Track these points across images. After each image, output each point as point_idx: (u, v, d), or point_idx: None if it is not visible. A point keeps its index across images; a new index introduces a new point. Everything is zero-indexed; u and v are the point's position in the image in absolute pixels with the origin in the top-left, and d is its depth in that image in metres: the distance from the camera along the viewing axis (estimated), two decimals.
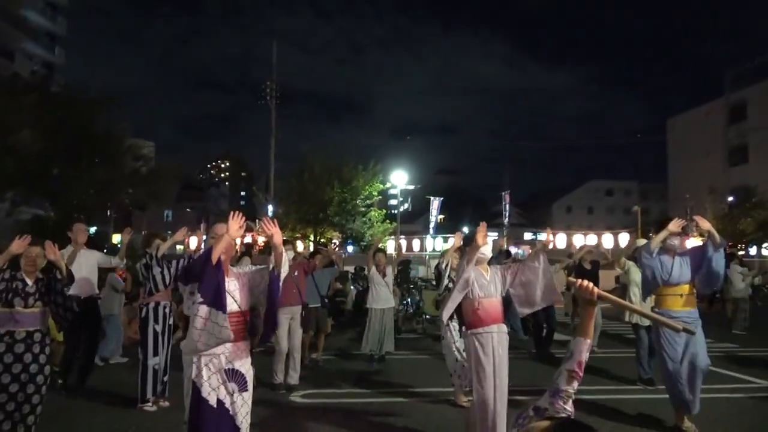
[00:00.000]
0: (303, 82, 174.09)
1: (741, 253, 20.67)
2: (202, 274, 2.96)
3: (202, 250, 3.52)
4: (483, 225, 4.19)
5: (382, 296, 7.87)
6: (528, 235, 30.51)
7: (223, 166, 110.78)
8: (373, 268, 7.95)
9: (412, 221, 46.55)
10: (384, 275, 7.92)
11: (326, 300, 8.14)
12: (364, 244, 17.34)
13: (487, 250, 4.32)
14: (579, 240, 23.26)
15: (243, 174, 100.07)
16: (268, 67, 26.32)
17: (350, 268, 14.11)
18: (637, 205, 38.97)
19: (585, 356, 1.80)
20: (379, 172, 19.23)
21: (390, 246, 22.38)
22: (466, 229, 36.00)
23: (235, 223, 3.16)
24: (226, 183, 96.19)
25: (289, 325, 6.56)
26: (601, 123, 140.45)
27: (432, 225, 25.25)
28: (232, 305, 3.09)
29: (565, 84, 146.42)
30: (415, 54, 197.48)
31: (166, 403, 5.53)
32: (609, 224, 48.96)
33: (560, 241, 25.39)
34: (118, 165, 18.63)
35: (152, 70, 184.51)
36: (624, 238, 19.11)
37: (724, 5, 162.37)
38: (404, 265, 13.14)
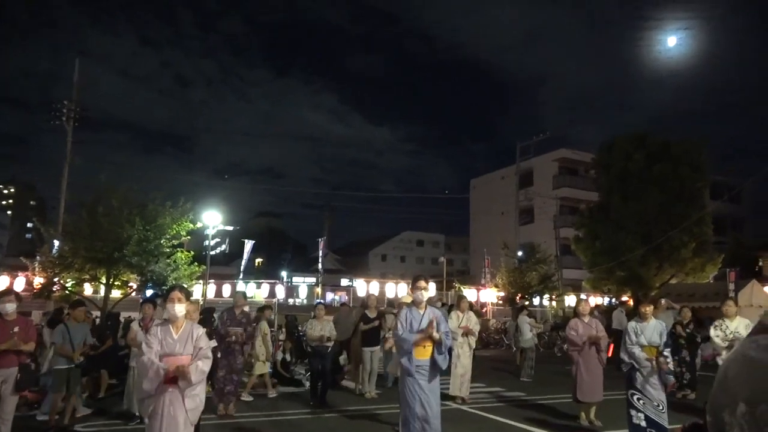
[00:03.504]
0: (119, 109, 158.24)
1: (527, 303, 23.02)
2: None
3: None
4: (175, 291, 4.43)
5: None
6: (345, 281, 30.99)
7: (6, 192, 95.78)
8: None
9: (228, 264, 44.28)
10: (146, 330, 7.36)
11: (80, 358, 7.06)
12: (166, 288, 15.63)
13: (178, 311, 4.37)
14: (390, 288, 24.05)
15: (32, 203, 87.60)
16: (80, 87, 23.36)
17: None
18: (443, 256, 42.00)
19: None
20: (190, 211, 17.67)
21: (197, 291, 20.65)
22: (284, 274, 35.20)
23: None
24: (8, 212, 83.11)
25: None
26: (416, 179, 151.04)
27: (243, 267, 24.09)
28: None
29: (387, 140, 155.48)
30: (243, 95, 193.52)
31: None
32: (419, 272, 51.85)
33: (374, 288, 26.11)
34: None
35: None
36: (431, 287, 20.11)
37: (520, 90, 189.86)
38: (206, 313, 11.98)
